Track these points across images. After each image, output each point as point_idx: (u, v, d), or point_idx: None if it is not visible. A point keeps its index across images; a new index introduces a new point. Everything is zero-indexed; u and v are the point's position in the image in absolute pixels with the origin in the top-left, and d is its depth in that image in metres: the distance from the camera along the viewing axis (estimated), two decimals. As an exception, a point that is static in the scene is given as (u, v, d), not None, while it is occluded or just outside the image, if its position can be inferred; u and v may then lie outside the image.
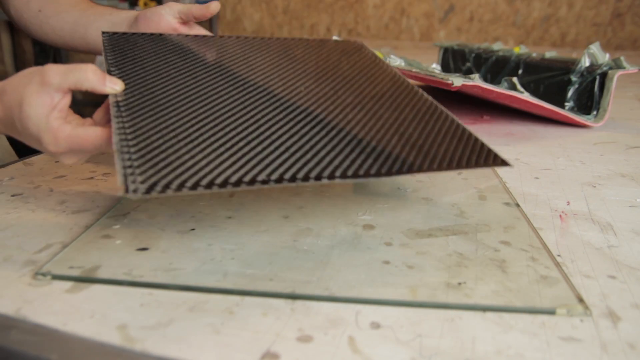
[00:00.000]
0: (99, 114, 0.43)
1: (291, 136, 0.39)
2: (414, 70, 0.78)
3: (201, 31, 0.60)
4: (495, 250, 0.40)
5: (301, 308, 0.33)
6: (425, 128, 0.44)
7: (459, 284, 0.35)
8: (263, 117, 0.41)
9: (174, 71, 0.46)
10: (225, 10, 2.74)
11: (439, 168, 0.38)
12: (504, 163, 0.41)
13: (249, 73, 0.49)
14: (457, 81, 0.67)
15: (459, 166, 0.39)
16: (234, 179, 0.33)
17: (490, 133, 0.75)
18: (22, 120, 0.38)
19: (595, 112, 0.79)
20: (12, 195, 0.50)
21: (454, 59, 1.11)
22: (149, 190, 0.31)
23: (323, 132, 0.40)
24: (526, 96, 0.71)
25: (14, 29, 3.07)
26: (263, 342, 0.30)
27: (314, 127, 0.41)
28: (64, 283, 0.35)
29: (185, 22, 0.59)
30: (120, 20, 0.60)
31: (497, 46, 1.02)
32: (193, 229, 0.42)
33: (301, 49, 0.58)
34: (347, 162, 0.37)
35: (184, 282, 0.35)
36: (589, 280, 0.37)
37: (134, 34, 0.54)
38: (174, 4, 0.58)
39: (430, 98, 0.50)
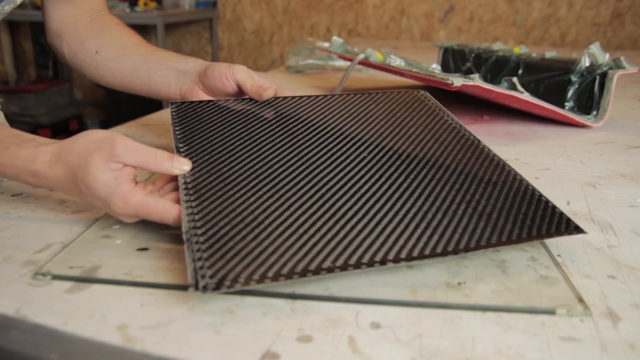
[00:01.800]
0: (159, 183, 0.43)
1: (354, 215, 0.38)
2: (414, 70, 0.78)
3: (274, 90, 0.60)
4: (495, 250, 0.40)
5: (301, 308, 0.33)
6: (492, 193, 0.42)
7: (459, 284, 0.35)
8: (328, 199, 0.40)
9: (241, 145, 0.46)
10: (225, 10, 2.74)
11: (509, 241, 0.37)
12: (578, 230, 0.38)
13: (312, 143, 0.48)
14: (457, 81, 0.67)
15: (530, 238, 0.37)
16: (299, 268, 0.33)
17: (490, 133, 0.75)
18: (89, 182, 0.38)
19: (595, 112, 0.79)
20: (12, 195, 0.50)
21: (454, 59, 1.11)
22: (218, 286, 0.31)
23: (386, 208, 0.39)
24: (526, 96, 0.71)
25: (14, 28, 3.07)
26: (263, 342, 0.30)
27: (377, 203, 0.40)
28: (64, 283, 0.35)
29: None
30: (187, 69, 0.60)
31: (497, 46, 1.01)
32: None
33: (362, 105, 0.57)
34: (413, 240, 0.36)
35: (184, 282, 0.35)
36: (589, 280, 0.37)
37: (200, 102, 0.55)
38: (240, 71, 0.57)
39: (496, 156, 0.49)
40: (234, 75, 0.57)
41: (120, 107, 2.63)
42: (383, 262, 0.34)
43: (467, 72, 1.05)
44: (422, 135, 0.52)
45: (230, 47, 2.81)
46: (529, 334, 0.31)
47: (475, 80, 0.68)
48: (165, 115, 0.84)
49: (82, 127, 2.89)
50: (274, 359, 0.28)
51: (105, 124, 2.87)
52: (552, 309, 0.33)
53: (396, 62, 0.84)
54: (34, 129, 2.57)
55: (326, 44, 1.16)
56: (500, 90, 0.70)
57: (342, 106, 0.56)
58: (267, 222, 0.37)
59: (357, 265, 0.33)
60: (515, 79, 0.73)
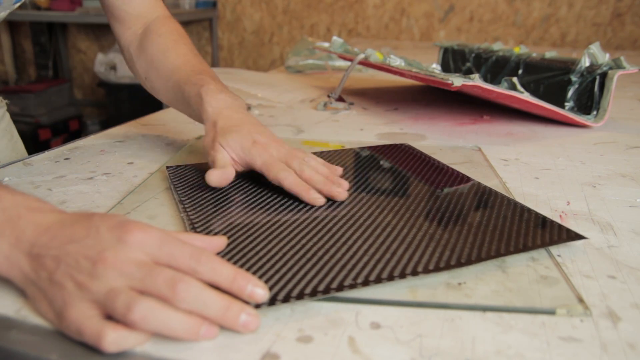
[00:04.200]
0: None
1: (366, 240, 0.40)
2: (414, 70, 0.78)
3: None
4: (495, 250, 0.40)
5: (301, 308, 0.33)
6: (491, 215, 0.44)
7: (459, 284, 0.35)
8: (333, 227, 0.42)
9: (240, 200, 0.48)
10: (225, 10, 2.74)
11: (516, 250, 0.38)
12: (578, 236, 0.41)
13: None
14: (457, 81, 0.67)
15: (534, 246, 0.39)
16: (322, 287, 0.33)
17: (490, 133, 0.75)
18: (94, 221, 0.32)
19: (595, 112, 0.79)
20: (12, 196, 0.50)
21: (454, 59, 1.11)
22: (272, 302, 0.32)
23: (395, 233, 0.41)
24: (526, 96, 0.71)
25: (14, 28, 3.07)
26: (263, 342, 0.30)
27: (385, 230, 0.42)
28: (64, 283, 0.35)
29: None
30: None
31: (497, 46, 1.01)
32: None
33: (353, 158, 0.61)
34: (426, 256, 0.37)
35: (184, 282, 0.35)
36: (589, 280, 0.37)
37: (194, 165, 0.56)
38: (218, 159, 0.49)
39: (487, 187, 0.51)
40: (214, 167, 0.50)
41: (120, 107, 2.62)
42: (402, 275, 0.35)
43: (467, 72, 1.05)
44: (414, 176, 0.55)
45: (230, 47, 2.81)
46: (529, 334, 0.31)
47: (475, 80, 0.68)
48: (165, 115, 0.84)
49: (82, 127, 2.89)
50: (274, 359, 0.28)
51: (105, 124, 2.87)
52: (552, 309, 0.33)
53: (396, 62, 0.84)
54: (34, 129, 2.57)
55: (326, 44, 1.16)
56: (500, 90, 0.70)
57: (327, 161, 0.58)
58: (281, 253, 0.38)
59: (378, 280, 0.34)
60: (515, 79, 0.73)
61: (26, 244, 0.32)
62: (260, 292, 0.31)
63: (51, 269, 0.31)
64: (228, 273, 0.31)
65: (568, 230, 0.42)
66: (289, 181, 0.47)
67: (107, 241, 0.31)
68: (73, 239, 0.31)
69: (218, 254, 0.37)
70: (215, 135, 0.50)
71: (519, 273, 0.37)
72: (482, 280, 0.36)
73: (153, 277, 0.29)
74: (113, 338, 0.28)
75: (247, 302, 0.31)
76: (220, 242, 0.37)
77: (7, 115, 0.72)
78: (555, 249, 0.41)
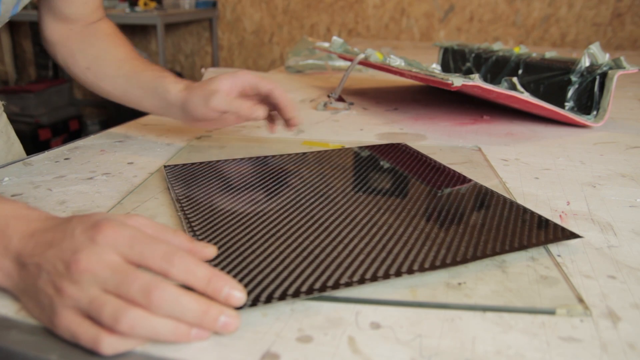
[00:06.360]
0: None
1: (362, 239, 0.40)
2: (414, 70, 0.78)
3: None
4: (495, 250, 0.40)
5: (301, 308, 0.33)
6: (487, 214, 0.45)
7: (459, 284, 0.35)
8: (330, 226, 0.42)
9: (236, 198, 0.48)
10: (225, 10, 2.74)
11: (511, 249, 0.39)
12: (573, 235, 0.41)
13: (305, 191, 0.50)
14: (457, 81, 0.67)
15: (529, 244, 0.39)
16: (318, 285, 0.34)
17: (490, 133, 0.75)
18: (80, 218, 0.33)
19: (595, 112, 0.79)
20: (12, 195, 0.50)
21: (454, 59, 1.11)
22: (255, 302, 0.32)
23: (391, 232, 0.41)
24: (526, 96, 0.71)
25: (14, 28, 3.07)
26: (263, 342, 0.30)
27: (381, 229, 0.42)
28: (64, 283, 0.35)
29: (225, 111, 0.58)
30: (169, 101, 0.61)
31: (497, 46, 1.02)
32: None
33: (351, 158, 0.61)
34: (422, 254, 0.38)
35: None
36: (589, 280, 0.37)
37: (192, 164, 0.57)
38: (217, 100, 0.57)
39: (484, 186, 0.52)
40: (215, 107, 0.57)
41: (120, 107, 2.60)
42: (398, 273, 0.35)
43: (467, 72, 1.05)
44: (412, 175, 0.55)
45: (230, 47, 2.81)
46: (529, 334, 0.31)
47: (475, 80, 0.68)
48: (165, 115, 0.84)
49: (82, 127, 2.89)
50: (274, 359, 0.28)
51: (105, 124, 2.88)
52: (552, 309, 0.33)
53: (396, 62, 0.84)
54: (34, 129, 2.57)
55: (326, 44, 1.16)
56: (500, 90, 0.70)
57: (330, 161, 0.59)
58: (278, 251, 0.38)
59: (374, 278, 0.34)
60: (515, 79, 0.73)
61: (13, 253, 0.32)
62: (238, 294, 0.30)
63: (35, 276, 0.30)
64: (203, 275, 0.30)
65: (563, 229, 0.42)
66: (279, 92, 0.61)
67: (81, 242, 0.30)
68: (52, 244, 0.31)
69: (217, 255, 0.37)
70: (203, 95, 0.58)
71: (519, 273, 0.37)
72: (482, 280, 0.36)
73: (127, 284, 0.29)
74: (110, 342, 0.28)
75: None
76: (209, 251, 0.34)
77: (4, 116, 0.72)
78: (555, 249, 0.41)
